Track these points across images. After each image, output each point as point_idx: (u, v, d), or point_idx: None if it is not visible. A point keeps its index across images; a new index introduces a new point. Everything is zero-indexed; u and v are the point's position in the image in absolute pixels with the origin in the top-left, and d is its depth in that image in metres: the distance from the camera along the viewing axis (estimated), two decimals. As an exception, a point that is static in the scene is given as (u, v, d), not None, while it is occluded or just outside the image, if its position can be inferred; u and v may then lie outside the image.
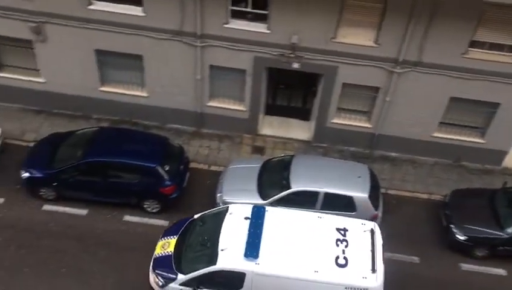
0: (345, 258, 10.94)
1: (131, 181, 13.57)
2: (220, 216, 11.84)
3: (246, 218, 11.54)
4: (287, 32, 13.89)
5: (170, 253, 11.72)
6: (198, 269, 11.09)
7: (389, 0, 12.99)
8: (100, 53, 15.11)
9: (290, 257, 10.94)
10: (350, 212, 13.23)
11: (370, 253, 11.09)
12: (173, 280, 11.33)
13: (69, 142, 14.41)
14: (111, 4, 14.04)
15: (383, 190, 14.78)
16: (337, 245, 11.12)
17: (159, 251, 11.99)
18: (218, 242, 11.21)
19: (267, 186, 13.72)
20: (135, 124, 16.46)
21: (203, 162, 15.70)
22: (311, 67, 14.66)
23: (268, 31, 14.02)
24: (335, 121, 15.87)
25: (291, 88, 16.40)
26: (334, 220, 11.72)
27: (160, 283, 11.53)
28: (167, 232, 12.50)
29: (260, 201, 13.35)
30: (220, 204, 13.60)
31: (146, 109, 16.20)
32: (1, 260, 12.65)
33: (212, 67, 15.05)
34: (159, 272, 11.57)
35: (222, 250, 11.04)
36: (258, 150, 16.23)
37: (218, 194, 13.82)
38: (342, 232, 11.39)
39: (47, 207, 13.96)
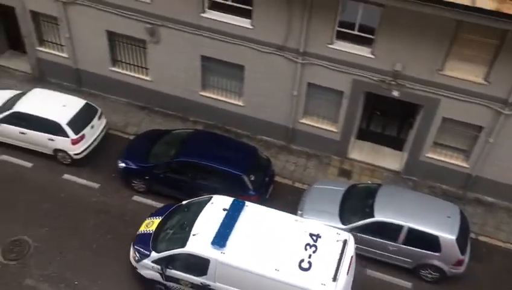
0: (309, 262, 10.92)
1: (217, 185, 13.91)
2: (202, 204, 12.20)
3: (224, 209, 11.82)
4: (391, 58, 13.63)
5: (151, 232, 12.32)
6: (169, 250, 11.56)
7: (506, 37, 12.30)
8: (205, 59, 15.75)
9: (256, 252, 11.09)
10: (433, 253, 12.65)
11: (336, 262, 10.98)
12: (147, 256, 11.88)
13: (165, 140, 15.14)
14: (222, 14, 14.62)
15: (472, 235, 13.93)
16: (306, 249, 11.15)
17: (142, 229, 12.64)
18: (192, 227, 11.61)
19: (349, 211, 13.47)
20: (227, 130, 16.94)
21: (288, 178, 15.76)
22: (412, 97, 14.24)
23: (371, 56, 13.84)
24: (429, 155, 15.23)
25: (387, 116, 16.01)
26: (309, 226, 11.72)
27: (136, 258, 12.17)
28: (155, 213, 13.11)
29: (340, 225, 13.14)
30: (299, 222, 13.63)
31: (240, 117, 16.62)
32: (90, 242, 13.50)
33: (309, 85, 15.12)
34: (137, 247, 12.20)
35: (194, 235, 11.42)
36: (345, 174, 15.99)
37: (299, 212, 13.79)
38: (314, 237, 11.38)
39: (137, 198, 14.73)
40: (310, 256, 11.03)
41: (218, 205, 12.04)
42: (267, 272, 10.80)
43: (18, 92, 16.25)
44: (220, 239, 11.15)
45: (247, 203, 12.09)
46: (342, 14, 13.58)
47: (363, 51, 13.91)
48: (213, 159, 14.00)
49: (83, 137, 15.07)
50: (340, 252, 11.18)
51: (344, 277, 10.84)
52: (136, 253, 12.17)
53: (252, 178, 13.92)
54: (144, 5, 15.05)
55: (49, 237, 13.53)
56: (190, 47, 15.52)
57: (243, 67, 15.43)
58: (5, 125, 15.06)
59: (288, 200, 14.75)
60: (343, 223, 13.20)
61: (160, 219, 12.63)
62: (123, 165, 14.70)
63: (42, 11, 16.57)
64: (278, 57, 14.75)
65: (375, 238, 13.02)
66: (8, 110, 15.09)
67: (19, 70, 18.44)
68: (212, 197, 12.44)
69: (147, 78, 16.97)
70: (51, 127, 14.79)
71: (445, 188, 15.65)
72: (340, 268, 10.89)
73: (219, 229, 11.35)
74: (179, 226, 12.09)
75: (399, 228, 12.74)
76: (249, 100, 16.15)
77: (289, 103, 15.60)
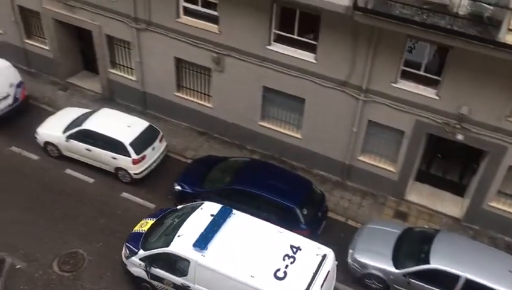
0: (284, 272, 11.19)
1: (269, 216, 13.80)
2: (193, 209, 12.74)
3: (212, 215, 12.31)
4: (457, 101, 13.29)
5: (143, 231, 12.94)
6: (155, 248, 12.10)
7: None
8: (267, 90, 15.98)
9: (234, 258, 11.45)
10: (491, 308, 11.94)
11: (311, 274, 11.20)
12: (135, 253, 12.46)
13: (221, 166, 15.35)
14: (287, 47, 14.84)
15: (536, 294, 13.02)
16: (284, 259, 11.44)
17: (136, 228, 13.30)
18: (179, 229, 12.14)
19: (403, 255, 13.01)
20: (283, 162, 16.96)
21: (341, 214, 15.48)
22: (477, 142, 13.74)
23: (436, 97, 13.55)
24: (493, 204, 14.54)
25: (449, 159, 15.51)
26: (292, 238, 12.02)
27: (126, 255, 12.78)
28: (151, 215, 13.81)
29: (393, 269, 12.72)
30: (350, 261, 13.29)
31: (297, 150, 16.62)
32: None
33: (370, 122, 14.96)
34: (128, 245, 12.81)
35: (178, 236, 11.94)
36: (401, 215, 15.51)
37: (350, 251, 13.48)
38: (294, 249, 11.68)
39: (189, 222, 14.95)
40: (286, 266, 11.30)
41: (207, 210, 12.56)
42: (242, 277, 11.11)
43: (88, 110, 17.13)
44: (202, 242, 11.61)
45: (234, 211, 12.52)
46: (408, 54, 13.45)
47: (427, 92, 13.66)
48: (267, 189, 14.01)
49: (143, 158, 15.56)
50: (317, 265, 11.39)
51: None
52: (127, 250, 12.78)
53: (305, 212, 13.78)
54: (213, 35, 15.57)
55: (103, 252, 13.92)
56: (253, 77, 15.81)
57: (304, 101, 15.51)
58: (73, 141, 15.85)
59: (340, 237, 14.47)
60: (397, 266, 12.76)
61: (154, 221, 13.24)
62: (179, 188, 14.98)
63: (117, 35, 17.50)
64: (340, 93, 14.74)
65: (429, 287, 12.47)
66: (77, 127, 15.89)
67: (91, 90, 19.47)
68: (203, 203, 12.98)
69: (209, 105, 17.39)
70: (115, 146, 15.40)
71: (508, 241, 14.82)
72: (314, 281, 11.09)
73: (202, 233, 11.82)
74: (168, 228, 12.62)
75: (456, 277, 12.13)
76: (307, 133, 16.15)
77: (348, 139, 15.47)
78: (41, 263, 13.57)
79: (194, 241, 11.65)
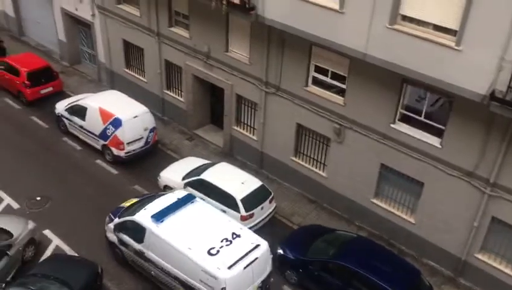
0: (217, 251, 13.02)
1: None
2: (167, 193, 15.27)
3: (178, 198, 14.60)
4: None
5: (125, 206, 15.48)
6: (125, 217, 14.57)
7: None
8: (384, 167, 15.63)
9: (182, 233, 13.53)
10: None
11: (239, 257, 12.93)
12: (112, 221, 15.04)
13: (327, 238, 15.05)
14: (412, 128, 14.53)
15: None
16: (221, 241, 13.28)
17: (122, 204, 15.77)
18: (148, 205, 14.51)
19: None
20: (391, 245, 16.17)
21: (449, 314, 14.24)
22: None
23: None
24: None
25: None
26: (236, 227, 13.89)
27: (106, 221, 15.39)
28: (139, 197, 16.21)
29: None
30: None
31: (408, 235, 15.80)
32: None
33: (494, 219, 13.83)
34: (110, 215, 15.39)
35: (145, 209, 14.33)
36: (519, 329, 13.82)
37: None
38: (234, 236, 13.52)
39: (286, 289, 14.73)
40: (221, 247, 13.10)
41: (176, 194, 14.92)
42: (181, 247, 13.14)
43: (208, 161, 18.05)
44: (160, 216, 13.89)
45: (197, 199, 14.78)
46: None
47: None
48: (373, 271, 13.39)
49: (251, 215, 15.83)
50: (247, 251, 13.11)
51: (239, 269, 12.69)
52: (108, 218, 15.37)
53: (410, 303, 12.90)
54: (337, 106, 15.79)
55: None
56: (372, 153, 15.60)
57: (423, 185, 14.87)
58: (190, 188, 16.68)
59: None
60: None
61: (137, 199, 15.66)
62: (281, 251, 14.92)
63: (246, 96, 18.47)
64: (463, 183, 13.92)
65: None
66: (196, 176, 16.75)
67: (213, 143, 20.56)
68: (177, 189, 15.61)
69: (323, 174, 17.39)
70: (227, 200, 15.89)
71: None
72: (239, 262, 12.80)
73: (163, 209, 14.10)
74: (142, 204, 14.82)
75: None
76: (421, 219, 15.33)
77: (467, 233, 14.38)
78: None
79: (153, 213, 13.90)
